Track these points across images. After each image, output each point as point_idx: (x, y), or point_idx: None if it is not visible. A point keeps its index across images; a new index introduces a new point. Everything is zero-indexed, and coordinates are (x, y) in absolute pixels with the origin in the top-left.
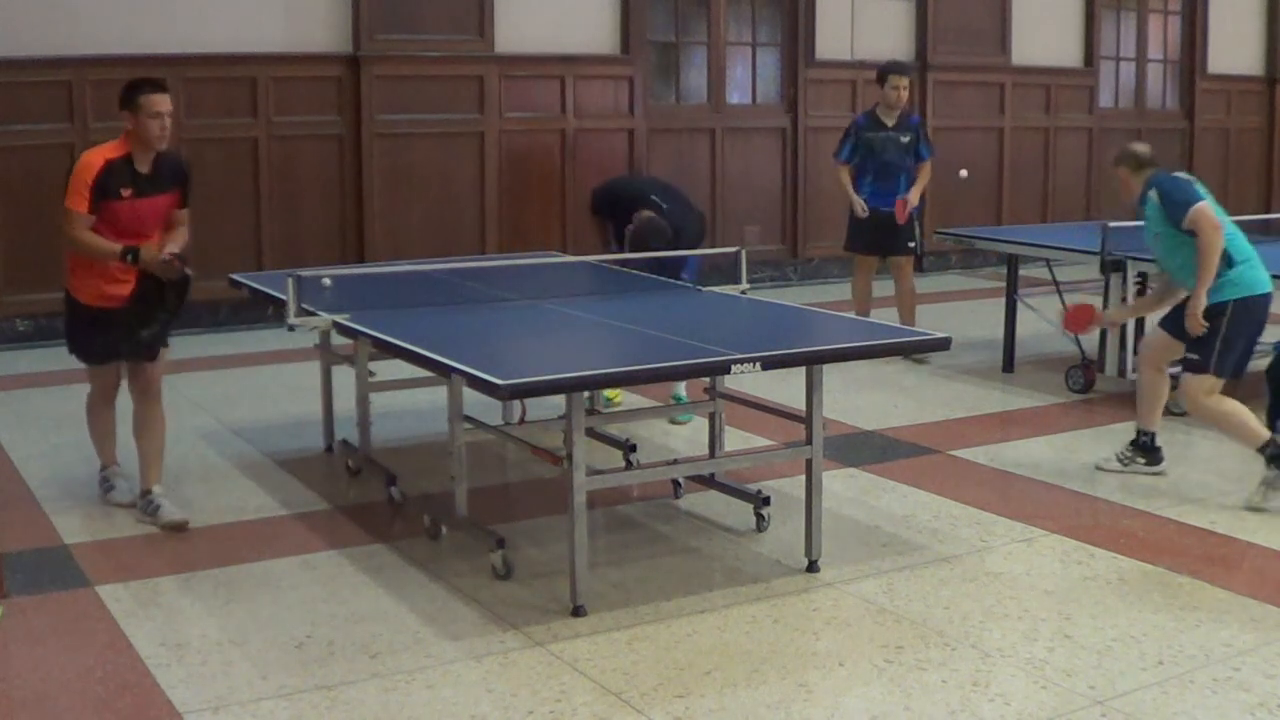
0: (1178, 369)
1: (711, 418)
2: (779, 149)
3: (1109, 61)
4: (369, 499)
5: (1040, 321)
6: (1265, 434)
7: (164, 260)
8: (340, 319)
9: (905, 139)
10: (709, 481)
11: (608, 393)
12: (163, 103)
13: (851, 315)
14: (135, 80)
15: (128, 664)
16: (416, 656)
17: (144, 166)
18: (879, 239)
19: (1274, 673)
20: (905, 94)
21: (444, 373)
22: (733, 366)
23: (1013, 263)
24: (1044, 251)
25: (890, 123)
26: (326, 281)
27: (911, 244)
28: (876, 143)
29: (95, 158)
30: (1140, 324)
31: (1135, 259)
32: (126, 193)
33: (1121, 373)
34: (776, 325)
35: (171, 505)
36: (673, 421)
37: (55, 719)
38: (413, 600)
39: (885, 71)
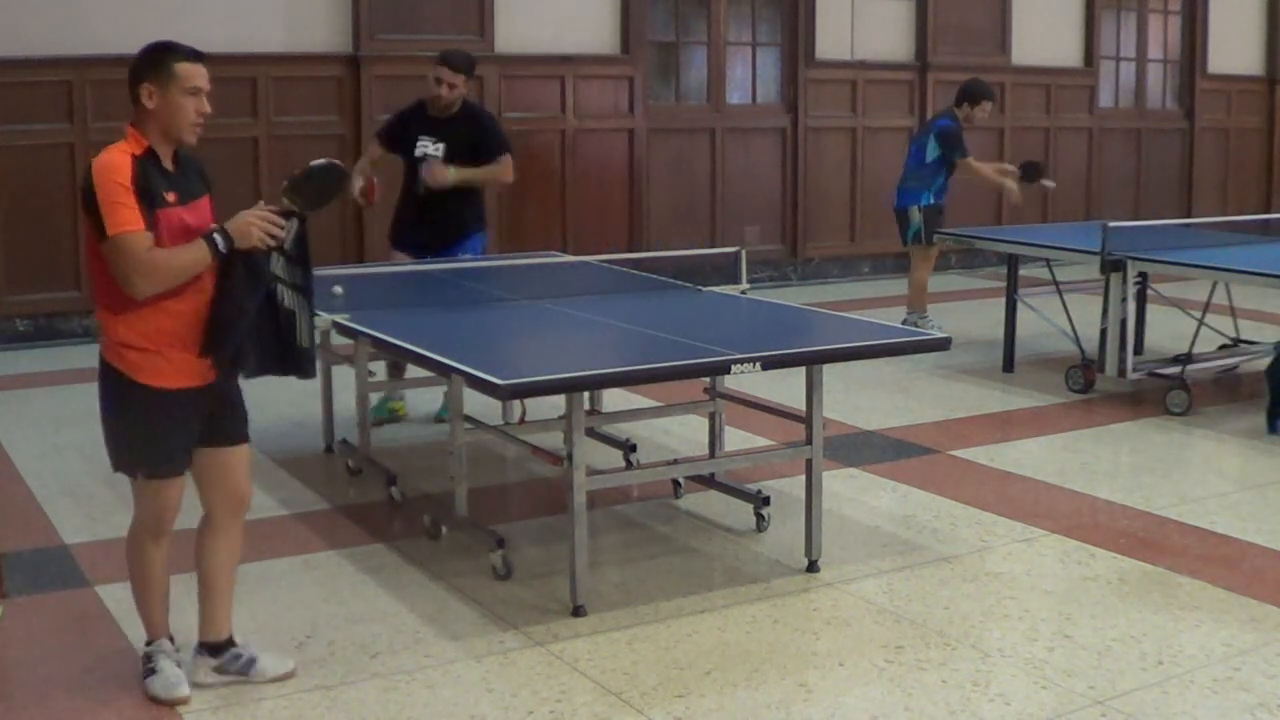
0: (1174, 369)
1: (711, 418)
2: (779, 149)
3: (1109, 61)
4: (369, 499)
5: (1040, 321)
6: None
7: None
8: (340, 319)
9: None
10: (709, 481)
11: (391, 404)
12: (203, 76)
13: (850, 315)
14: (160, 44)
15: (128, 664)
16: (416, 656)
17: (169, 164)
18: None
19: (1274, 673)
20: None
21: (444, 373)
22: (733, 366)
23: (1013, 263)
24: (1044, 251)
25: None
26: (338, 289)
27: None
28: None
29: (116, 156)
30: (1140, 323)
31: (1135, 259)
32: (171, 196)
33: (1121, 373)
34: (776, 325)
35: (269, 654)
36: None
37: (55, 719)
38: (413, 600)
39: (983, 96)
